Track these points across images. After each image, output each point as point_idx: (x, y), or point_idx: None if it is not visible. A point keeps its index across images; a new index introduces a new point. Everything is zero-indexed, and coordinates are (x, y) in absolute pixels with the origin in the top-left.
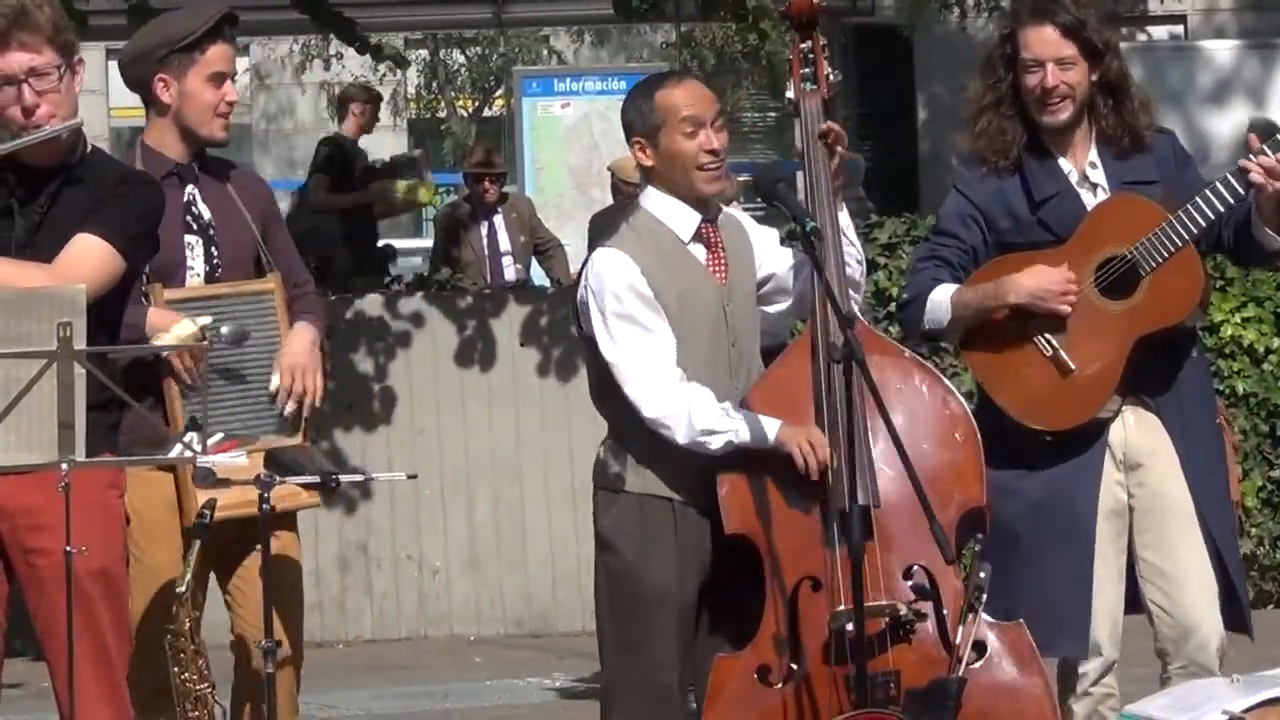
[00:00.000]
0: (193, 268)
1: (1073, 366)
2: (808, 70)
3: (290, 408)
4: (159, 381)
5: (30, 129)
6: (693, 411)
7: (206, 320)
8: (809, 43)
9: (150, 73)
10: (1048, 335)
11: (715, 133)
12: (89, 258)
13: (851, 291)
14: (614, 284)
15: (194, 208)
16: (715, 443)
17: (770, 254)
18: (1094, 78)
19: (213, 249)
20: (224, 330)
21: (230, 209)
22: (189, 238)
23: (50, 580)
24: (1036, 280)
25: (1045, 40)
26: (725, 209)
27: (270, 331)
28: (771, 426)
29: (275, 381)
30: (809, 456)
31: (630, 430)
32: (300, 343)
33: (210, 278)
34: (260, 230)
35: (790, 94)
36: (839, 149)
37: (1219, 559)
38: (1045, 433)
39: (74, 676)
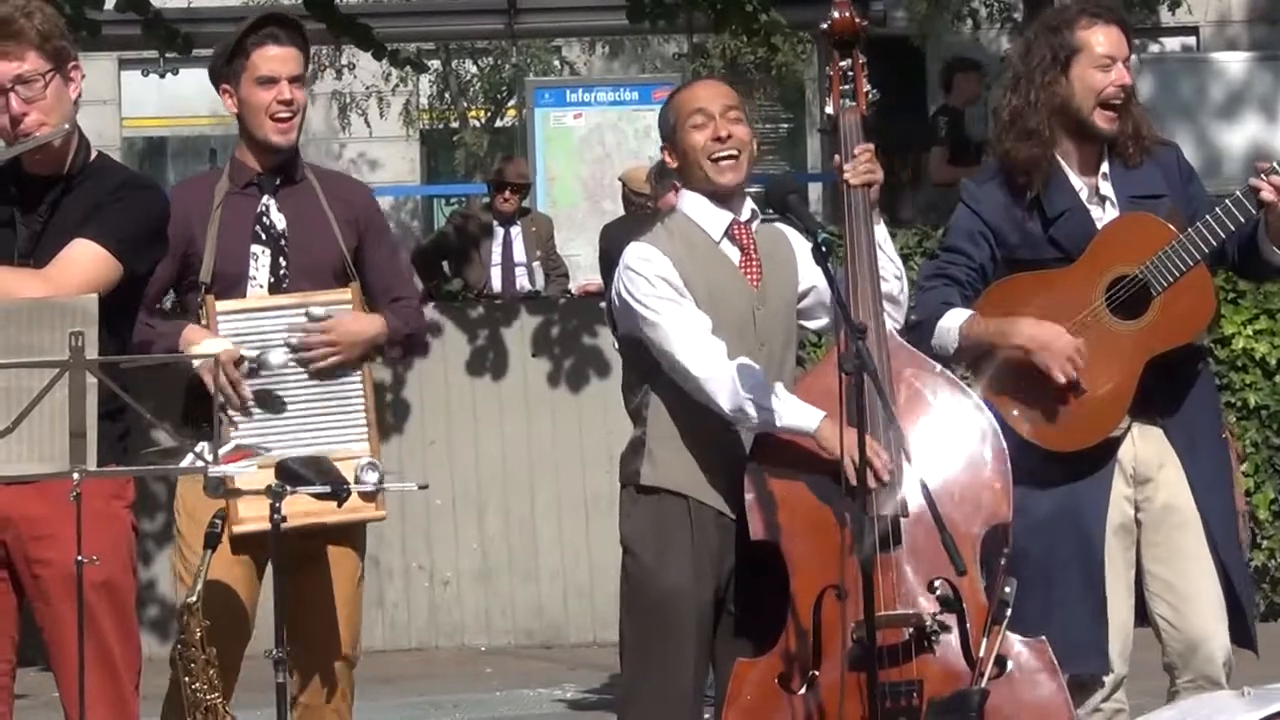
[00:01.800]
0: (255, 278)
1: (1085, 388)
2: (847, 88)
3: (292, 345)
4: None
5: (19, 138)
6: (739, 377)
7: (252, 354)
8: (849, 60)
9: (218, 86)
10: None
11: (730, 123)
12: (82, 262)
13: (889, 307)
14: (647, 271)
15: (265, 218)
16: (757, 414)
17: (812, 268)
18: None
19: (281, 259)
20: (270, 358)
21: (315, 218)
22: (255, 248)
23: (55, 592)
24: (1049, 337)
25: (1116, 40)
26: (767, 220)
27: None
28: (814, 416)
29: (282, 353)
30: (871, 463)
31: (661, 427)
32: (359, 326)
33: (276, 288)
34: (354, 241)
35: (830, 110)
36: (872, 177)
37: (1224, 574)
38: (1045, 452)
39: (83, 687)
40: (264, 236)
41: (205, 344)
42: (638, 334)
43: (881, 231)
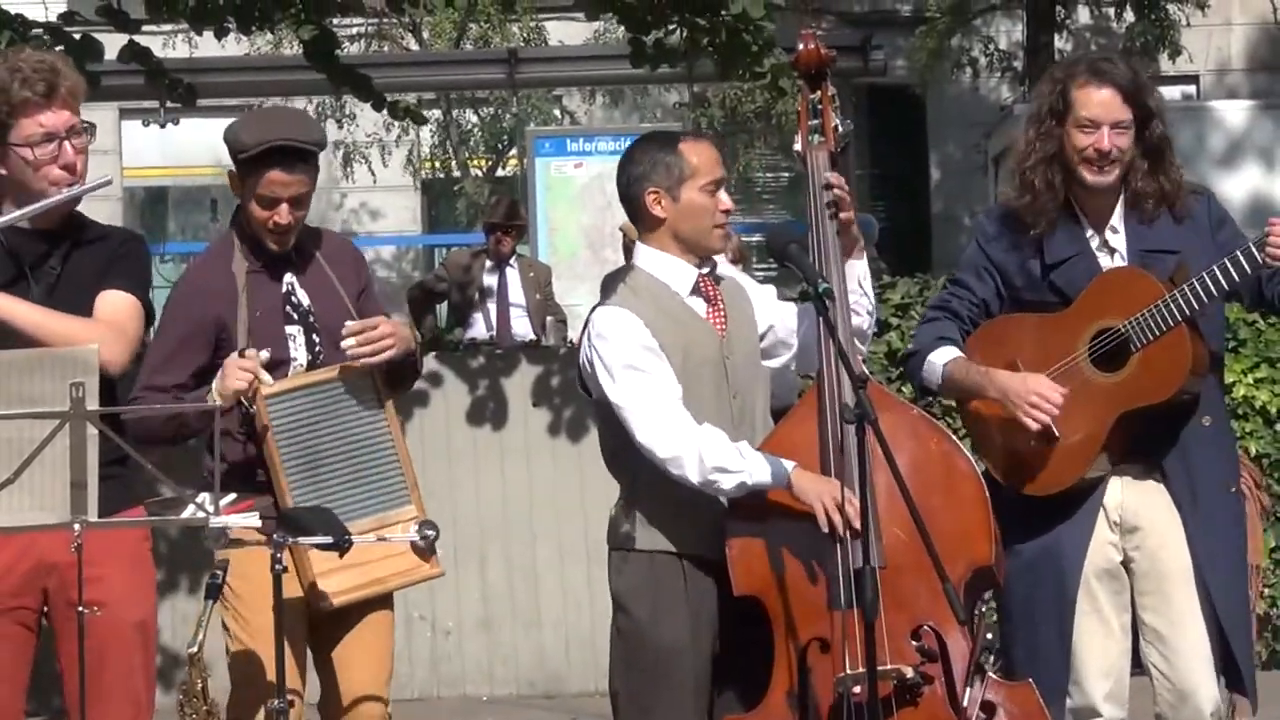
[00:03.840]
0: (295, 359)
1: (1057, 434)
2: (815, 122)
3: (352, 347)
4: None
5: (64, 185)
6: (704, 450)
7: (321, 423)
8: (817, 94)
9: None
10: None
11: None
12: (127, 309)
13: (857, 342)
14: (618, 337)
15: (293, 297)
16: (728, 482)
17: (768, 309)
18: (1138, 142)
19: (314, 335)
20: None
21: (327, 289)
22: (290, 329)
23: (96, 634)
24: (1021, 387)
25: (1106, 103)
26: (723, 272)
27: (372, 407)
28: (784, 471)
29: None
30: (833, 515)
31: (642, 488)
32: (408, 331)
33: (312, 365)
34: (355, 300)
35: (797, 147)
36: (843, 212)
37: (1218, 626)
38: (1029, 496)
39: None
40: (295, 316)
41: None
42: (606, 401)
43: (862, 266)
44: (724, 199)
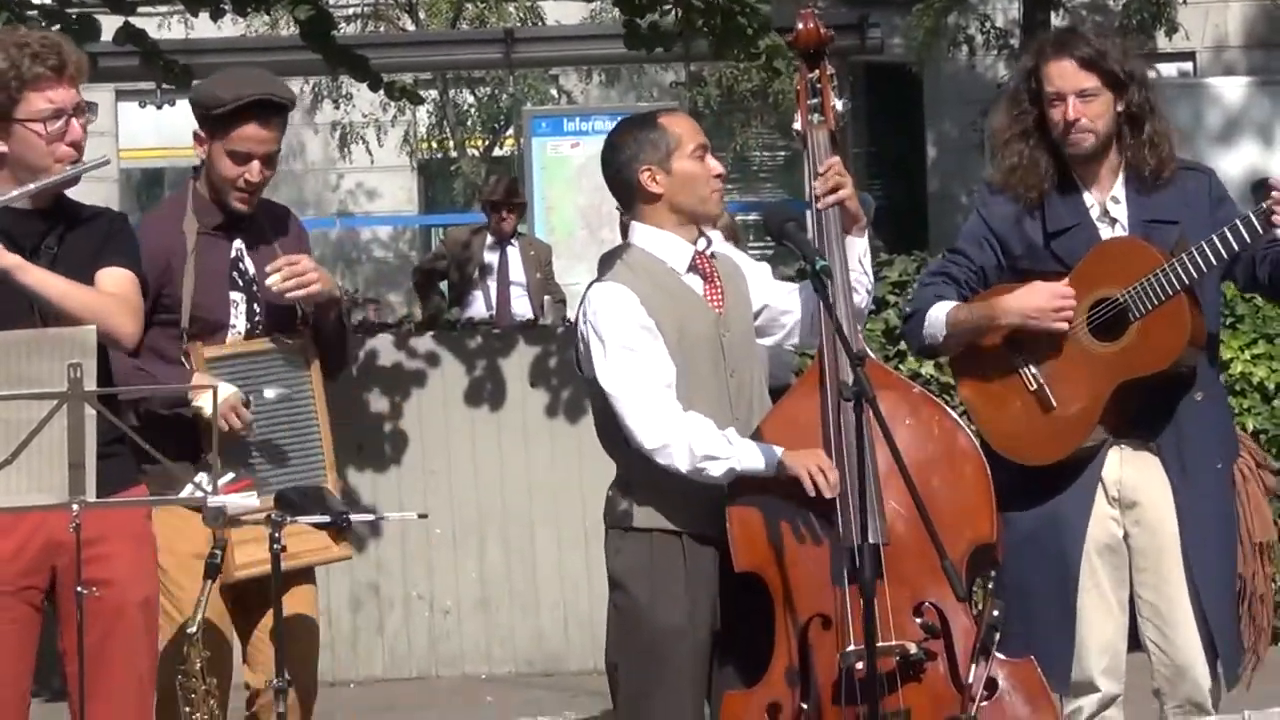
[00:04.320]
0: (234, 325)
1: (1054, 404)
2: (814, 101)
3: (278, 282)
4: (200, 445)
5: (67, 163)
6: (693, 438)
7: (254, 391)
8: (816, 73)
9: (196, 121)
10: (1034, 369)
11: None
12: (130, 284)
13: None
14: (613, 314)
15: (240, 264)
16: (717, 469)
17: (763, 286)
18: (1119, 109)
19: (254, 305)
20: (268, 394)
21: (271, 259)
22: (234, 294)
23: (104, 612)
24: (1031, 300)
25: (1066, 73)
26: (718, 248)
27: (306, 387)
28: (773, 455)
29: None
30: (818, 478)
31: (637, 467)
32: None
33: (251, 334)
34: None
35: (797, 126)
36: (843, 191)
37: (1200, 607)
38: (1027, 467)
39: (114, 712)
40: (240, 283)
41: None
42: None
43: (862, 244)
44: (714, 163)
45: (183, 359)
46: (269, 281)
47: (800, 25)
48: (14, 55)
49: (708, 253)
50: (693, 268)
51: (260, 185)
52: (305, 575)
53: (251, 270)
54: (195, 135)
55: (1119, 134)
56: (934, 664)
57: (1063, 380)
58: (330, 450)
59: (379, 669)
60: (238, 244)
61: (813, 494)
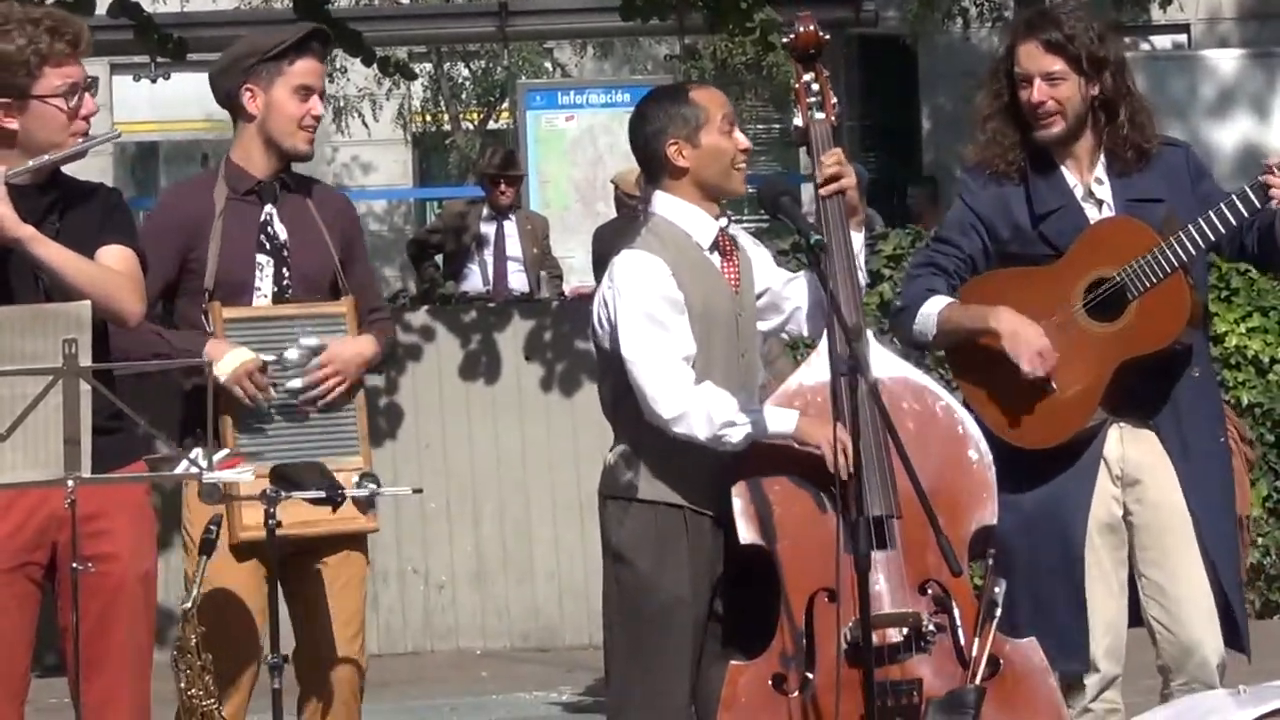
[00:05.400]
0: (260, 288)
1: (1054, 386)
2: (814, 99)
3: (301, 388)
4: (213, 410)
5: (79, 137)
6: (711, 406)
7: (270, 357)
8: (812, 74)
9: (238, 83)
10: None
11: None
12: (132, 261)
13: None
14: (641, 283)
15: (269, 227)
16: (735, 435)
17: (766, 271)
18: (1093, 92)
19: (284, 270)
20: (288, 355)
21: (310, 229)
22: (260, 258)
23: (106, 586)
24: (1025, 331)
25: (1033, 55)
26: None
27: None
28: (790, 417)
29: (302, 349)
30: (839, 456)
31: (646, 438)
32: (354, 350)
33: (278, 299)
34: (341, 253)
35: (799, 122)
36: (844, 180)
37: (1215, 577)
38: (1027, 449)
39: (114, 687)
40: (268, 246)
41: (231, 354)
42: (617, 352)
43: (859, 239)
44: (741, 138)
45: (203, 317)
46: (300, 400)
47: (800, 29)
48: (31, 32)
49: (728, 230)
50: (715, 244)
51: (318, 122)
52: (355, 543)
53: (283, 236)
54: (247, 91)
55: (1094, 118)
56: (942, 637)
57: (1062, 362)
58: (365, 426)
59: (373, 644)
60: (268, 209)
61: (832, 469)
